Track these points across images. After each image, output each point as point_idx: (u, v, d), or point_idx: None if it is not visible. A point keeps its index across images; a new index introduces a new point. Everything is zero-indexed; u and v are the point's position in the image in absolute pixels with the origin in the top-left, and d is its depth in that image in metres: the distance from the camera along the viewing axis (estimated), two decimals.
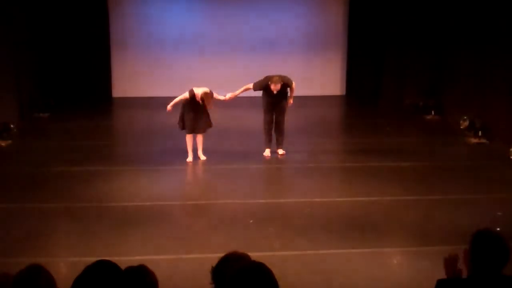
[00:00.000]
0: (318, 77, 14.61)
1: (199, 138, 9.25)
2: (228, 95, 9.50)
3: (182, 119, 9.17)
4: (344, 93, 14.71)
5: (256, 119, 12.55)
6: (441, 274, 3.46)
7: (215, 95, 9.27)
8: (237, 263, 2.91)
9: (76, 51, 13.44)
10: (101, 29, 13.63)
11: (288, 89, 9.38)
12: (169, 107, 9.27)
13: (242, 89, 9.41)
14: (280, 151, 9.51)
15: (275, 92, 9.17)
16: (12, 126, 10.39)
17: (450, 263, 3.37)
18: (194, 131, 9.16)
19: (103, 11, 13.63)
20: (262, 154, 9.47)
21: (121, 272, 2.50)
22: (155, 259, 5.72)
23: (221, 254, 3.14)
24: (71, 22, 13.22)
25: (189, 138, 9.19)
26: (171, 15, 14.24)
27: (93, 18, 13.43)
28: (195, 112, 9.06)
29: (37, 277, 2.98)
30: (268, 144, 9.53)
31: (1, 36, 10.89)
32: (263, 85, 9.28)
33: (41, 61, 13.16)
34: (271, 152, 9.51)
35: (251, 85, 9.37)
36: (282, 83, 9.16)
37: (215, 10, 14.26)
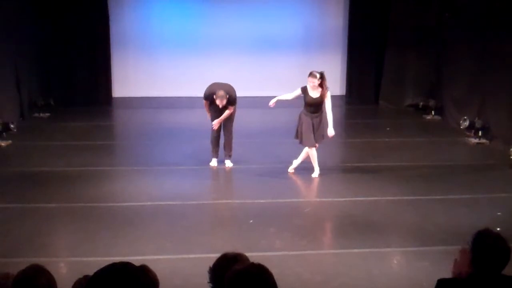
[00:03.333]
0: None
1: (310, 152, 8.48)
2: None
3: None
4: (344, 93, 14.70)
5: (257, 119, 12.57)
6: (441, 274, 3.47)
7: None
8: (234, 263, 2.90)
9: (76, 51, 13.43)
10: (101, 29, 13.62)
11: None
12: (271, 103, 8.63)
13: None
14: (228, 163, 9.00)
15: (220, 106, 8.54)
16: (12, 126, 10.38)
17: (459, 263, 3.37)
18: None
19: (103, 11, 13.61)
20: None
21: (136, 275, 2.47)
22: (155, 259, 5.73)
23: (221, 254, 3.15)
24: (71, 22, 13.21)
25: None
26: (171, 15, 14.25)
27: (94, 18, 13.42)
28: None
29: (37, 277, 2.98)
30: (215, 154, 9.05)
31: (1, 36, 10.88)
32: (208, 95, 8.63)
33: (42, 61, 13.15)
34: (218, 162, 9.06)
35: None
36: (227, 98, 8.45)
37: (215, 10, 14.26)
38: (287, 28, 14.43)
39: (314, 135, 8.34)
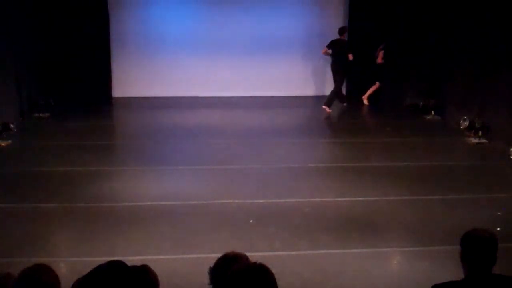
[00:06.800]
0: (318, 77, 14.62)
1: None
2: None
3: None
4: (344, 93, 14.69)
5: (257, 119, 12.57)
6: (441, 274, 3.48)
7: None
8: (234, 263, 2.91)
9: (76, 51, 13.45)
10: (101, 29, 13.64)
11: None
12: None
13: None
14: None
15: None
16: (12, 126, 10.38)
17: None
18: None
19: (103, 11, 13.63)
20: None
21: (130, 273, 2.48)
22: (155, 259, 5.72)
23: (221, 254, 3.15)
24: (71, 22, 13.22)
25: None
26: (171, 15, 14.26)
27: (94, 18, 13.44)
28: None
29: (43, 274, 2.98)
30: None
31: (1, 36, 10.89)
32: None
33: (41, 61, 13.16)
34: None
35: None
36: None
37: (214, 11, 14.27)
38: (287, 28, 14.44)
39: None
